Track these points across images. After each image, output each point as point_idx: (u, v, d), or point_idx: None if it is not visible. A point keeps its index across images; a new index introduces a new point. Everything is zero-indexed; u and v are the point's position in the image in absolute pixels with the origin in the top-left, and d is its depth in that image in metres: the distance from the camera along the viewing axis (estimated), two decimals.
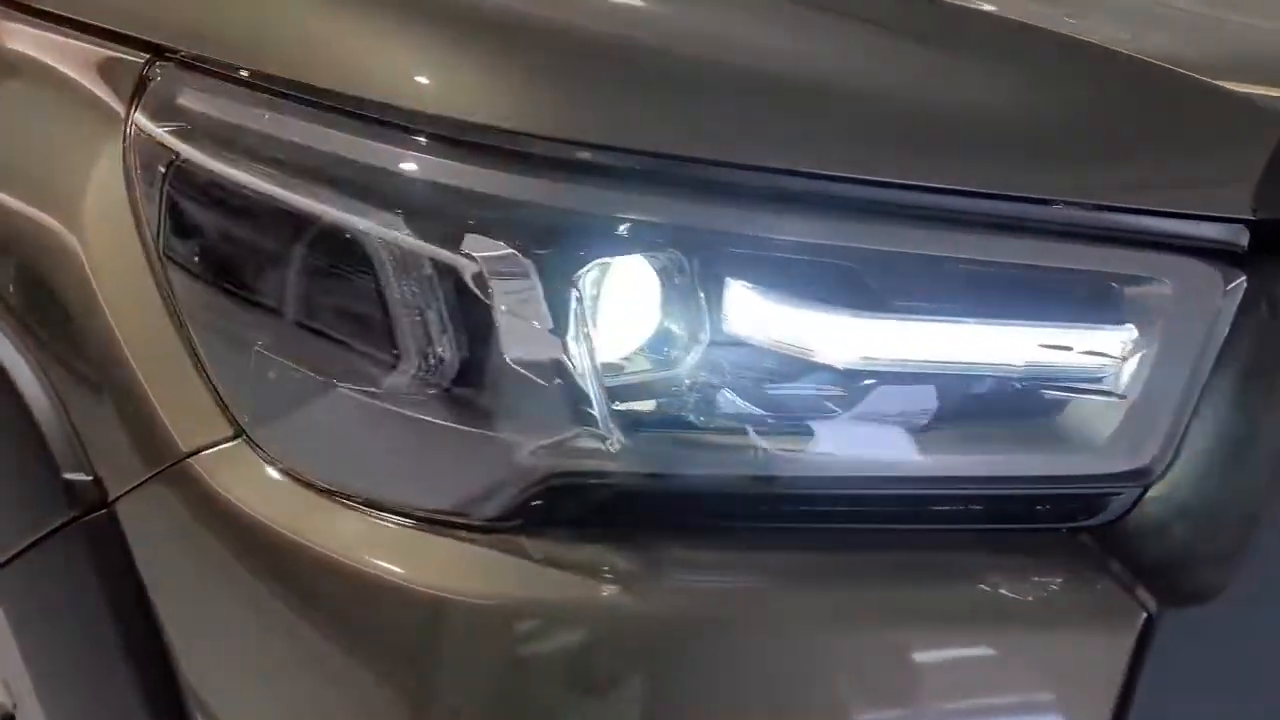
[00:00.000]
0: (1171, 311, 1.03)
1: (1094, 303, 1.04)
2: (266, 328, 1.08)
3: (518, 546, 1.00)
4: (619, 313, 1.01)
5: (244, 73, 1.10)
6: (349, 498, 1.04)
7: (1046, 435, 1.05)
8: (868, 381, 1.02)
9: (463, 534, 1.01)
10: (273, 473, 1.07)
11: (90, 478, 1.15)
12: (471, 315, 0.99)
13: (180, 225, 1.14)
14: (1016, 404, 1.05)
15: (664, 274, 1.01)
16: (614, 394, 1.00)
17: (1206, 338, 1.03)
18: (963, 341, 1.02)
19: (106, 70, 1.22)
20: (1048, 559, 1.06)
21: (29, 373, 1.19)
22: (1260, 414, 1.05)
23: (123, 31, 1.21)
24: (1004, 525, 1.08)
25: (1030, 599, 1.04)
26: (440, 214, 0.99)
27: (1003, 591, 1.04)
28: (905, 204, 1.00)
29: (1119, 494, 1.06)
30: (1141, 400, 1.03)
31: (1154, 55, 1.11)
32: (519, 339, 0.98)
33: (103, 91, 1.21)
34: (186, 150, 1.11)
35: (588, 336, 0.98)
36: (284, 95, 1.06)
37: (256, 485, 1.06)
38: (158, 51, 1.17)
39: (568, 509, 1.01)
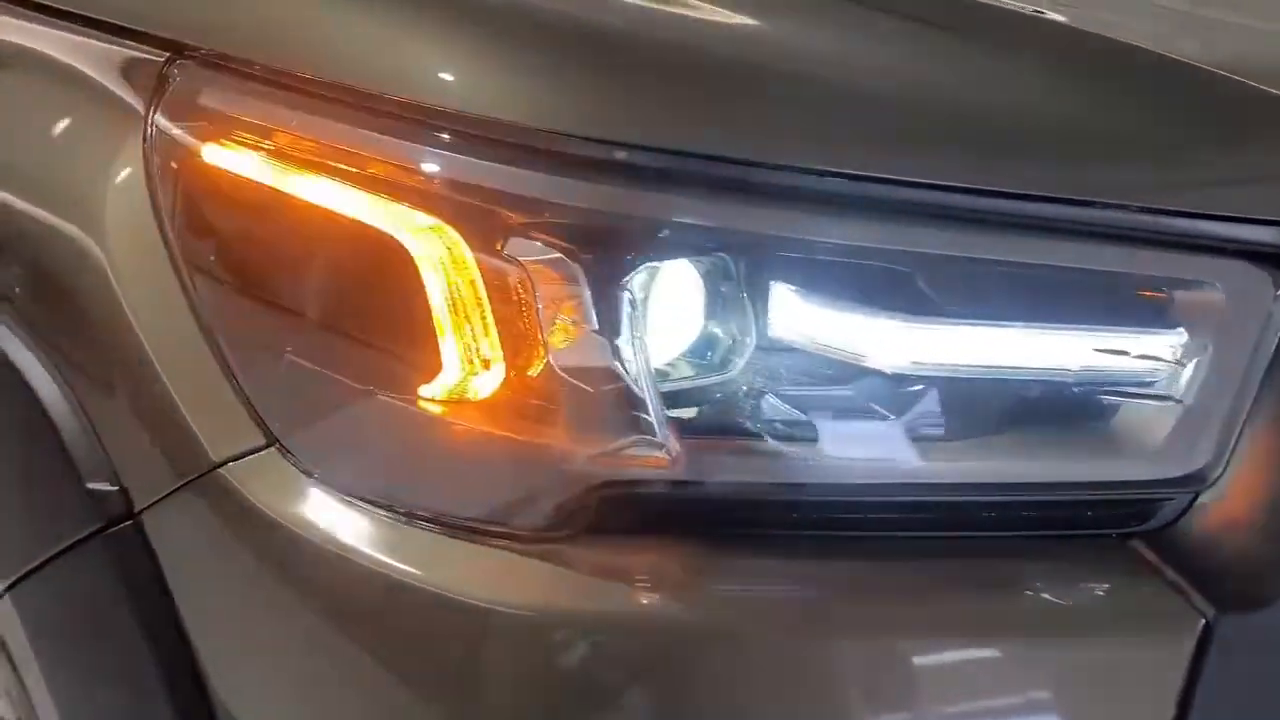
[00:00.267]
0: (1224, 315, 1.03)
1: (1146, 307, 1.04)
2: (298, 334, 1.06)
3: (565, 557, 0.98)
4: (665, 317, 1.00)
5: (275, 72, 1.07)
6: (389, 508, 1.02)
7: (1099, 441, 1.05)
8: (918, 387, 1.02)
9: (510, 544, 0.99)
10: (307, 482, 1.04)
11: (115, 488, 1.12)
12: (518, 320, 0.97)
13: (204, 228, 1.12)
14: (1067, 410, 1.04)
15: (709, 277, 1.00)
16: (667, 399, 0.98)
17: (1259, 341, 1.02)
18: (1015, 346, 1.02)
19: (125, 69, 1.19)
20: (1101, 566, 1.05)
21: (50, 381, 1.16)
22: None
23: (142, 30, 1.18)
24: (1056, 532, 1.07)
25: (1085, 606, 1.04)
26: (484, 217, 0.97)
27: (1057, 600, 1.04)
28: (957, 207, 0.99)
29: (1171, 499, 1.06)
30: (1195, 405, 1.03)
31: (1205, 61, 1.11)
32: (568, 344, 0.96)
33: (122, 91, 1.18)
34: (209, 150, 1.09)
35: (641, 341, 0.97)
36: (320, 96, 1.03)
37: (290, 495, 1.04)
38: (178, 50, 1.14)
39: (616, 518, 0.99)
